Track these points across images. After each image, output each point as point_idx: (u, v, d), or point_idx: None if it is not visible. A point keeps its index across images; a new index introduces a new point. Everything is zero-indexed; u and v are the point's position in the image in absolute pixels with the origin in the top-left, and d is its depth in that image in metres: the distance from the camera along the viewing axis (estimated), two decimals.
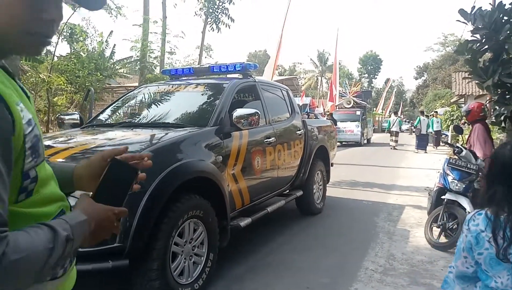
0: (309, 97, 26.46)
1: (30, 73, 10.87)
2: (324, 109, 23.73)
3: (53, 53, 13.29)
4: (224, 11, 14.52)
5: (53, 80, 11.09)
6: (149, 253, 2.54)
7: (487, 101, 5.34)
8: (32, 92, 10.82)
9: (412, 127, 17.13)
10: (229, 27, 14.65)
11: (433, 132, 17.31)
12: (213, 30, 14.60)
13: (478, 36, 4.03)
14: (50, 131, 10.70)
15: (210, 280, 3.09)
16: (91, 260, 2.42)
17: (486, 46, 4.02)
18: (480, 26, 3.90)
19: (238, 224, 3.55)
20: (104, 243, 2.39)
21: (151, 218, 2.52)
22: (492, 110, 4.76)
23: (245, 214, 3.80)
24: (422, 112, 17.91)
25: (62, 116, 4.24)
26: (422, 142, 15.98)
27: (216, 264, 3.15)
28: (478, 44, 4.05)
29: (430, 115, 19.86)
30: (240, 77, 4.54)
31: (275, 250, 4.09)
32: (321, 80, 52.94)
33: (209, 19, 14.43)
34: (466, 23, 4.04)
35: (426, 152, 15.68)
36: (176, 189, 2.71)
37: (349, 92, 25.28)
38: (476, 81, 4.27)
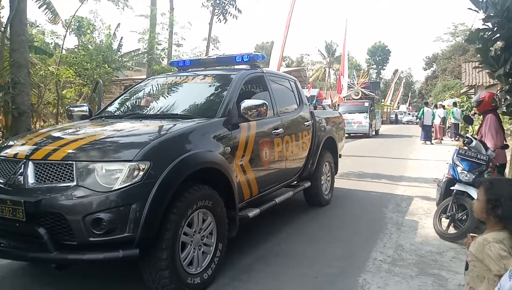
0: (317, 89, 26.31)
1: (39, 66, 10.95)
2: (332, 101, 23.54)
3: (61, 46, 13.38)
4: (231, 2, 14.44)
5: (61, 73, 11.18)
6: (159, 243, 2.57)
7: (498, 91, 5.25)
8: (41, 84, 10.93)
9: (418, 119, 16.79)
10: (237, 18, 14.59)
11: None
12: (220, 22, 14.54)
13: (489, 24, 3.95)
14: (59, 123, 10.80)
15: (219, 269, 3.12)
16: (102, 249, 2.46)
17: (498, 35, 3.94)
18: (491, 14, 3.82)
19: (246, 215, 3.57)
20: (115, 233, 2.42)
21: (161, 208, 2.54)
22: (503, 100, 4.69)
23: (254, 205, 3.82)
24: (426, 103, 17.63)
25: (71, 108, 4.26)
26: (426, 134, 15.84)
27: (225, 254, 3.18)
28: (489, 32, 3.97)
29: (439, 105, 19.59)
30: (248, 68, 4.52)
31: (283, 241, 4.10)
32: (329, 71, 52.53)
33: (216, 10, 14.36)
34: (477, 11, 3.96)
35: (432, 143, 15.62)
36: (185, 180, 2.73)
37: (357, 83, 25.01)
38: (487, 70, 4.20)
